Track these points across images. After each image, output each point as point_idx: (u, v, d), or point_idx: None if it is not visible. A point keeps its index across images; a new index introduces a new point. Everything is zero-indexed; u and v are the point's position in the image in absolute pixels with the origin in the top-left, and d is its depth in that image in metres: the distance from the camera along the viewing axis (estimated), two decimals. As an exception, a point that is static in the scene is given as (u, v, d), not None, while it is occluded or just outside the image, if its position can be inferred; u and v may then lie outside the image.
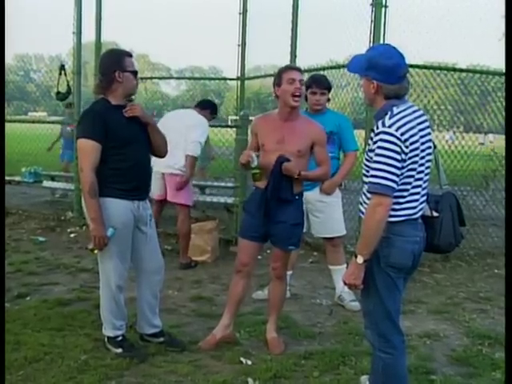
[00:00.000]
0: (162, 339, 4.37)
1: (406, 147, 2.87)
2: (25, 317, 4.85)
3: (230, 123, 12.37)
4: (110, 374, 3.91)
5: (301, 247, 6.43)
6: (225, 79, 14.44)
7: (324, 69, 7.76)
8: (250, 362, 4.17)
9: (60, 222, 8.68)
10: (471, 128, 8.03)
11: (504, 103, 6.50)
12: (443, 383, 3.91)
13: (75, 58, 8.70)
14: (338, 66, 7.63)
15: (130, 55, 4.12)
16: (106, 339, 4.26)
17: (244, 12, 9.63)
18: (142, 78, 5.48)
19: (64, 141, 11.52)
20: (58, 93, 9.53)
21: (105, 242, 3.94)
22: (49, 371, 3.89)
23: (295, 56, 8.03)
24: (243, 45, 9.73)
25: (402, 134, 2.86)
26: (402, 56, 2.99)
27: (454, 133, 8.09)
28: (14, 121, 10.57)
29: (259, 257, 6.43)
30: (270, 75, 9.51)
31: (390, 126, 2.88)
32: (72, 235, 8.06)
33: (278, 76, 4.18)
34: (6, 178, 9.34)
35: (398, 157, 2.86)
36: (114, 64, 4.03)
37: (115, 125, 3.98)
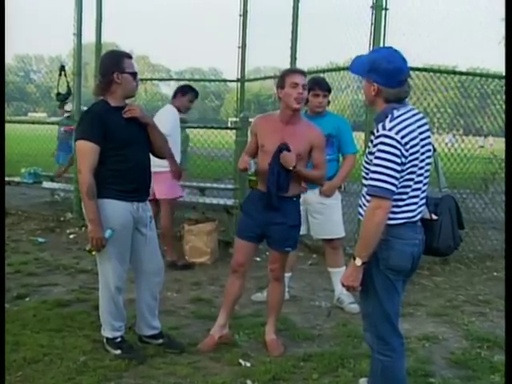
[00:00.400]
0: (161, 341, 4.37)
1: (406, 150, 2.88)
2: (24, 317, 4.85)
3: (229, 125, 12.41)
4: (109, 375, 3.91)
5: (300, 249, 6.45)
6: (225, 81, 14.46)
7: (324, 71, 7.76)
8: (248, 364, 4.17)
9: (59, 222, 8.68)
10: (471, 131, 8.03)
11: (504, 106, 6.51)
12: (442, 386, 3.92)
13: (75, 59, 8.71)
14: (338, 69, 7.63)
15: (130, 57, 4.13)
16: (104, 340, 4.26)
17: (244, 14, 9.65)
18: (141, 80, 5.50)
19: (58, 142, 11.48)
20: (58, 94, 9.54)
21: (102, 243, 3.94)
22: (48, 372, 3.89)
23: (295, 58, 8.03)
24: (243, 46, 9.74)
25: (402, 138, 2.87)
26: (404, 60, 2.99)
27: (454, 136, 8.10)
28: (14, 121, 10.57)
29: (258, 259, 6.47)
30: (270, 77, 9.56)
31: (390, 129, 2.88)
32: (71, 236, 8.06)
33: (282, 78, 4.18)
34: (6, 178, 9.35)
35: (398, 160, 2.86)
36: (113, 65, 4.03)
37: (114, 126, 3.98)
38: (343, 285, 3.07)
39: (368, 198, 2.96)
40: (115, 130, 3.97)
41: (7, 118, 10.70)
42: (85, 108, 6.54)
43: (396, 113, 2.96)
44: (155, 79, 22.50)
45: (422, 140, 2.96)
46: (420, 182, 3.00)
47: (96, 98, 4.26)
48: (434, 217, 3.15)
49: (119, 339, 4.24)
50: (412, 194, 2.98)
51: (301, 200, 4.60)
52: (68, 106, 9.92)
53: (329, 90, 5.39)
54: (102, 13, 8.49)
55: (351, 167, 5.46)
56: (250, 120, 6.91)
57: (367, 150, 3.09)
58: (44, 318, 4.87)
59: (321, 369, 4.11)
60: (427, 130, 3.05)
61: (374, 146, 2.94)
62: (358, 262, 2.95)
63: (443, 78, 7.57)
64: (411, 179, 2.95)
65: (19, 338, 4.40)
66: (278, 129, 4.21)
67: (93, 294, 5.32)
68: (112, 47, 8.30)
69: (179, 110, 6.60)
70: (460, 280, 6.63)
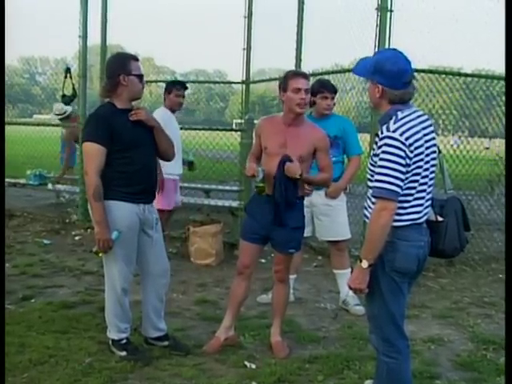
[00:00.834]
0: (166, 343, 4.37)
1: (411, 152, 2.88)
2: (29, 319, 4.86)
3: (234, 127, 12.42)
4: (115, 376, 3.91)
5: (305, 251, 6.45)
6: (230, 83, 14.47)
7: (329, 73, 7.78)
8: (254, 366, 4.17)
9: (65, 224, 8.70)
10: (476, 132, 8.02)
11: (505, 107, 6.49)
12: (447, 388, 3.92)
13: (81, 61, 8.72)
14: (343, 70, 7.63)
15: (136, 59, 4.13)
16: (110, 342, 4.27)
17: (249, 15, 9.66)
18: (147, 82, 5.50)
19: (61, 144, 11.48)
20: (64, 96, 9.60)
21: (109, 245, 3.95)
22: (53, 374, 3.90)
23: (300, 60, 8.03)
24: (248, 48, 9.75)
25: (407, 139, 2.87)
26: (408, 62, 2.99)
27: (459, 137, 8.09)
28: (19, 123, 10.59)
29: (263, 260, 6.46)
30: (275, 79, 9.54)
31: (394, 131, 2.88)
32: (77, 238, 8.08)
33: (285, 81, 4.17)
34: (12, 180, 9.38)
35: (403, 161, 2.86)
36: (119, 68, 4.04)
37: (121, 128, 3.99)
38: (350, 287, 3.06)
39: (373, 199, 2.96)
40: (122, 132, 3.98)
41: (13, 119, 10.75)
42: (91, 110, 6.55)
43: (400, 114, 2.96)
44: (160, 81, 22.50)
45: (426, 141, 2.96)
46: (425, 183, 3.00)
47: (102, 100, 4.27)
48: (440, 218, 3.14)
49: (125, 341, 4.24)
50: (417, 195, 2.98)
51: (306, 202, 4.61)
52: (56, 107, 9.94)
53: (336, 92, 5.44)
54: (107, 15, 8.51)
55: (356, 169, 5.46)
56: (255, 122, 6.90)
57: (372, 152, 3.09)
58: (49, 319, 4.88)
59: (326, 371, 4.10)
60: (432, 132, 3.05)
61: (379, 147, 2.94)
62: (365, 264, 2.95)
63: (448, 80, 7.56)
64: (416, 181, 2.95)
65: (25, 339, 4.41)
66: (281, 131, 4.22)
67: (98, 296, 5.33)
68: (117, 49, 8.33)
69: (172, 110, 6.41)
70: (465, 282, 6.62)
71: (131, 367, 4.04)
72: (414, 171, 2.92)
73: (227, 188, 9.85)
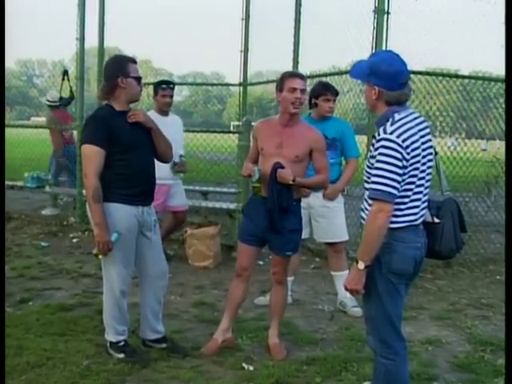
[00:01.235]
0: (164, 345, 4.37)
1: (408, 154, 2.89)
2: (27, 322, 4.85)
3: (232, 129, 12.40)
4: (112, 379, 3.91)
5: (303, 253, 6.46)
6: (227, 85, 14.49)
7: (326, 75, 7.78)
8: (252, 368, 4.17)
9: (62, 227, 8.69)
10: (473, 134, 8.03)
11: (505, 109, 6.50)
12: (445, 389, 3.92)
13: (78, 63, 8.73)
14: (341, 72, 7.64)
15: (134, 61, 4.14)
16: (108, 344, 4.27)
17: (246, 18, 9.68)
18: (144, 84, 5.45)
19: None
20: (61, 98, 9.59)
21: (109, 247, 3.95)
22: (51, 376, 3.90)
23: (297, 62, 8.04)
24: (245, 51, 9.77)
25: (404, 141, 2.88)
26: (403, 63, 3.00)
27: (456, 139, 8.10)
28: (17, 126, 10.60)
29: (261, 262, 6.47)
30: (273, 81, 9.56)
31: (391, 133, 2.89)
32: (74, 240, 8.07)
33: (281, 81, 4.20)
34: (9, 183, 9.37)
35: (400, 163, 2.87)
36: (117, 70, 4.05)
37: (119, 130, 4.00)
38: (346, 288, 3.07)
39: (370, 201, 2.97)
40: (120, 134, 3.99)
41: (10, 122, 10.74)
42: (89, 112, 6.55)
43: (397, 116, 2.97)
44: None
45: (423, 143, 2.97)
46: (421, 185, 3.01)
47: (100, 103, 4.27)
48: (436, 220, 3.15)
49: (122, 343, 4.24)
50: (414, 197, 2.99)
51: (304, 204, 4.62)
52: (51, 94, 10.00)
53: (337, 94, 5.51)
54: (104, 17, 8.52)
55: (354, 171, 5.48)
56: (253, 124, 6.91)
57: (369, 154, 3.10)
58: (47, 322, 4.87)
59: (324, 372, 4.11)
60: (428, 134, 3.06)
61: (376, 149, 2.95)
62: (361, 265, 2.96)
63: (445, 82, 7.58)
64: (413, 182, 2.96)
65: (22, 342, 4.40)
66: (277, 132, 4.24)
67: (96, 298, 5.33)
68: (115, 51, 8.30)
69: (162, 111, 6.26)
70: (463, 283, 6.63)
71: (129, 369, 4.04)
72: (411, 173, 2.93)
73: (225, 190, 9.85)
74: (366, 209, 3.03)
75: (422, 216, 3.07)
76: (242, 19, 9.72)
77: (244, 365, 4.21)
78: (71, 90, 9.43)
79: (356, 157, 5.48)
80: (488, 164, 8.50)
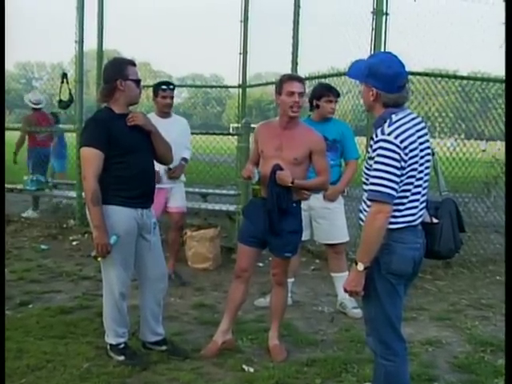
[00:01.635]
0: (164, 348, 4.37)
1: (406, 155, 2.89)
2: (27, 325, 4.85)
3: (231, 131, 12.41)
4: (113, 381, 3.91)
5: (303, 255, 6.46)
6: (226, 87, 14.53)
7: (325, 76, 7.79)
8: (252, 370, 4.17)
9: (62, 229, 8.68)
10: (472, 135, 8.04)
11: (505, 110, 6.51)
12: (445, 390, 3.92)
13: (77, 66, 8.74)
14: (340, 74, 7.64)
15: (134, 64, 4.14)
16: (108, 347, 4.27)
17: (245, 20, 9.69)
18: (144, 87, 5.40)
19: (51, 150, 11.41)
20: (60, 101, 9.59)
21: (108, 249, 3.95)
22: (51, 379, 3.90)
23: (296, 63, 8.05)
24: (244, 53, 9.78)
25: (401, 142, 2.88)
26: (402, 65, 3.00)
27: (456, 140, 8.11)
28: (16, 129, 10.56)
29: (261, 264, 6.47)
30: (272, 83, 9.57)
31: (389, 134, 2.89)
32: (74, 243, 8.07)
33: (280, 85, 4.22)
34: (9, 186, 9.37)
35: (398, 164, 2.87)
36: (117, 73, 4.05)
37: (118, 133, 4.00)
38: (346, 290, 3.07)
39: (369, 203, 2.97)
40: (119, 137, 3.99)
41: (9, 125, 10.73)
42: (88, 115, 6.53)
43: (394, 117, 2.97)
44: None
45: (420, 144, 2.97)
46: (420, 185, 3.01)
47: (99, 105, 4.28)
48: (435, 220, 3.16)
49: (122, 345, 4.24)
50: (412, 197, 2.99)
51: (304, 205, 4.63)
52: (33, 95, 10.03)
53: (339, 96, 5.55)
54: (103, 20, 8.54)
55: (354, 172, 5.50)
56: (252, 126, 6.91)
57: (367, 155, 3.10)
58: (47, 324, 4.87)
59: (324, 374, 4.11)
60: (426, 134, 3.06)
61: (374, 150, 2.95)
62: (360, 266, 2.96)
63: (444, 83, 7.59)
64: (411, 183, 2.96)
65: (22, 345, 4.40)
66: (276, 134, 4.26)
67: (96, 301, 5.33)
68: (114, 54, 8.34)
69: (163, 113, 6.14)
70: (463, 284, 6.63)
71: (129, 372, 4.04)
72: (409, 174, 2.93)
73: (224, 192, 9.86)
74: (365, 210, 3.03)
75: (420, 216, 3.07)
76: (241, 21, 9.73)
77: (244, 366, 4.20)
78: (70, 93, 9.42)
79: (356, 158, 5.50)
80: (487, 164, 8.50)
